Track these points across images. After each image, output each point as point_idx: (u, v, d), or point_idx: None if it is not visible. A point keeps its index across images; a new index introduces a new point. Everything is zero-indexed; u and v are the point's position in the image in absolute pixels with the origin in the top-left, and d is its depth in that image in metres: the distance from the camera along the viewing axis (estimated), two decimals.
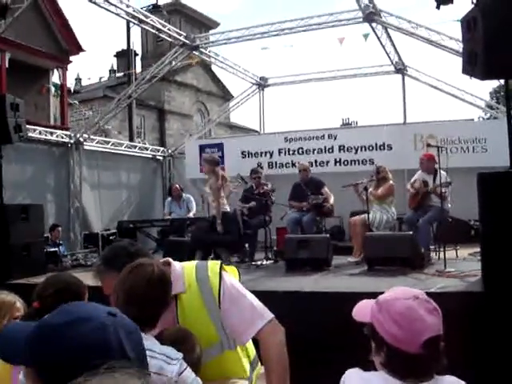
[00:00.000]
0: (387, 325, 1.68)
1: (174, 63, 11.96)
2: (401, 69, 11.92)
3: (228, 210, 8.26)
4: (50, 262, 9.09)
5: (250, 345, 2.49)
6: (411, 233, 7.43)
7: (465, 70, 5.75)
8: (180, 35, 10.69)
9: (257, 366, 2.46)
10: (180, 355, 1.92)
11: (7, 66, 15.55)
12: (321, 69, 12.80)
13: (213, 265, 2.41)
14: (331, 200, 8.99)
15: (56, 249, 9.72)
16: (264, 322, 2.28)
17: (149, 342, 1.86)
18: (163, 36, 10.55)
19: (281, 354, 2.26)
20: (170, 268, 2.35)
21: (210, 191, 8.26)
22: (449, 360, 4.68)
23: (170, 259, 2.43)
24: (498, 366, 4.70)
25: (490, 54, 5.24)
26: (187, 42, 10.84)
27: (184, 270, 2.37)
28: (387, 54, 11.18)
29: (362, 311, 1.82)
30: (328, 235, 8.17)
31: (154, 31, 10.41)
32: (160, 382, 1.81)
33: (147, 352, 1.81)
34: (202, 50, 11.72)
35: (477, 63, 5.47)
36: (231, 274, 2.48)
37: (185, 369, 1.91)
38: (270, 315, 2.32)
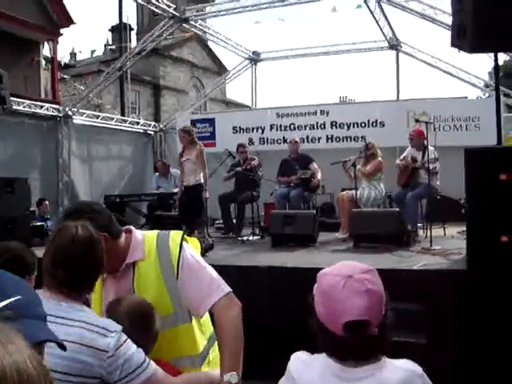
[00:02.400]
0: (316, 301, 1.60)
1: (164, 36, 11.70)
2: (395, 45, 11.74)
3: (202, 182, 8.11)
4: (36, 236, 9.02)
5: (207, 321, 2.42)
6: (397, 210, 7.35)
7: (453, 44, 5.61)
8: (169, 7, 10.45)
9: (214, 343, 2.37)
10: (119, 327, 1.80)
11: None
12: (314, 44, 12.60)
13: (174, 234, 2.34)
14: (318, 175, 8.93)
15: (43, 223, 9.63)
16: (221, 294, 2.21)
17: (82, 313, 1.78)
18: (151, 7, 10.33)
19: (235, 328, 2.17)
20: (131, 235, 2.29)
21: (189, 162, 8.16)
22: (431, 337, 4.63)
23: (132, 227, 2.37)
24: (481, 343, 4.65)
25: (479, 26, 5.09)
26: (177, 14, 10.60)
27: (145, 238, 2.31)
28: (381, 30, 11.00)
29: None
30: (314, 211, 8.13)
31: (142, 2, 10.18)
32: (90, 355, 1.70)
33: (81, 324, 1.73)
34: (192, 22, 11.49)
35: (466, 36, 5.32)
36: (192, 246, 2.40)
37: (124, 341, 1.79)
38: (227, 289, 2.25)
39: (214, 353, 2.33)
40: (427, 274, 5.21)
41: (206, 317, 2.39)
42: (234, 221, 9.36)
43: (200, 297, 2.20)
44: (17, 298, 0.90)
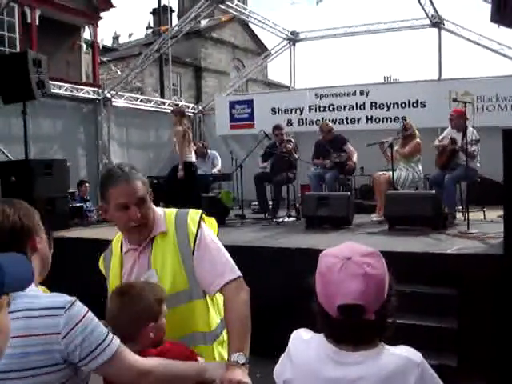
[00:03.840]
0: (316, 281, 1.55)
1: (200, 18, 11.66)
2: (437, 22, 11.37)
3: (192, 160, 8.51)
4: (76, 217, 9.23)
5: (221, 301, 2.41)
6: (434, 192, 7.18)
7: (493, 19, 5.42)
8: None
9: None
10: (70, 300, 1.64)
11: (37, 23, 15.54)
12: (353, 23, 12.27)
13: (193, 213, 2.38)
14: (354, 157, 8.79)
15: (82, 204, 9.82)
16: (232, 276, 2.25)
17: (26, 298, 1.61)
18: None
19: (244, 310, 2.19)
20: (153, 210, 2.34)
21: (176, 140, 8.56)
22: (463, 323, 4.52)
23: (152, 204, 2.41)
24: None
25: None
26: None
27: (164, 214, 2.37)
28: (422, 7, 10.66)
29: None
30: (348, 193, 8.00)
31: None
32: (43, 343, 1.58)
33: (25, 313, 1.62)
34: (229, 3, 11.40)
35: (506, 10, 5.13)
36: (209, 225, 2.44)
37: (82, 317, 1.65)
38: (238, 272, 2.28)
39: (226, 335, 2.33)
40: (461, 258, 5.08)
41: (221, 298, 2.38)
42: (270, 202, 9.34)
43: (212, 276, 2.24)
44: None
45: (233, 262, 2.31)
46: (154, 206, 2.37)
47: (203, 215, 2.40)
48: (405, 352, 1.51)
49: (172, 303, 2.21)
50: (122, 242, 2.41)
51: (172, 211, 2.40)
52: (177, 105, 13.90)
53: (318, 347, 1.57)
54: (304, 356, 1.60)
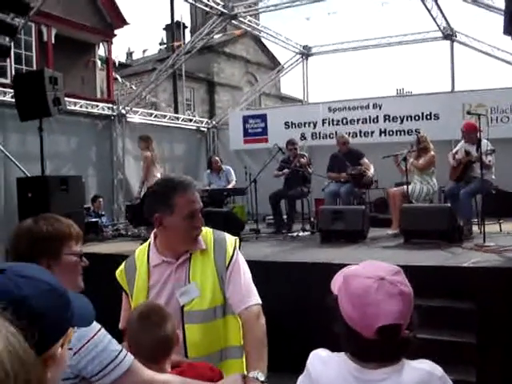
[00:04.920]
0: (344, 302, 1.52)
1: (213, 34, 11.78)
2: (449, 34, 11.38)
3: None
4: (91, 232, 9.29)
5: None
6: (449, 205, 7.15)
7: (506, 31, 5.43)
8: (218, 4, 10.48)
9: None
10: None
11: (53, 41, 15.75)
12: (365, 37, 12.27)
13: (231, 237, 2.50)
14: (371, 171, 8.76)
15: (97, 219, 9.89)
16: (256, 302, 2.33)
17: None
18: (199, 5, 10.38)
19: (263, 334, 2.25)
20: None
21: (144, 165, 9.54)
22: (482, 337, 4.47)
23: None
24: None
25: None
26: (225, 11, 10.61)
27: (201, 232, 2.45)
28: (433, 19, 10.67)
29: (337, 281, 1.62)
30: (363, 207, 7.98)
31: (191, 1, 10.24)
32: None
33: None
34: (241, 19, 11.50)
35: None
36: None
37: (94, 334, 1.69)
38: (260, 301, 2.36)
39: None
40: (478, 272, 5.04)
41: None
42: (285, 217, 9.34)
43: (240, 296, 2.31)
44: None
45: (255, 290, 2.39)
46: None
47: (237, 239, 2.52)
48: (426, 366, 1.53)
49: (210, 317, 2.31)
50: (148, 255, 2.44)
51: (208, 230, 2.49)
52: (190, 120, 14.01)
53: (338, 366, 1.57)
54: (325, 376, 1.60)
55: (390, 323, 1.44)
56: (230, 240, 2.45)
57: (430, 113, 11.19)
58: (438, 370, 1.52)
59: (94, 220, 9.71)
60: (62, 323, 1.05)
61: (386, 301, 1.45)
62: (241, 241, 2.78)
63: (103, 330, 1.74)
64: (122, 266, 2.52)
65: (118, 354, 1.72)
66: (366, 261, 1.64)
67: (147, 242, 2.50)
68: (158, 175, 9.08)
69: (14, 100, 8.26)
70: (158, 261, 2.39)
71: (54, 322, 1.02)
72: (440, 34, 11.56)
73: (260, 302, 2.34)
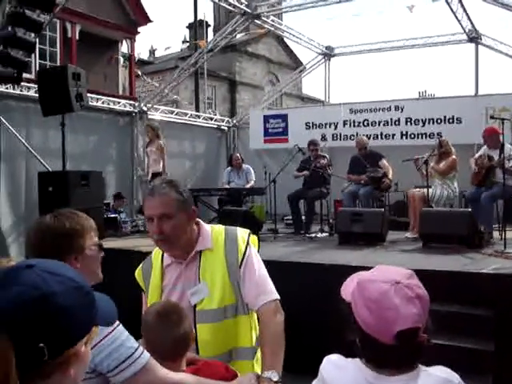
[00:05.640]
0: (360, 308, 1.51)
1: (236, 33, 11.80)
2: (474, 37, 11.25)
3: (161, 170, 9.91)
4: (110, 228, 9.36)
5: (256, 320, 2.46)
6: (470, 210, 7.07)
7: None
8: (241, 4, 10.49)
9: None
10: None
11: (77, 37, 15.92)
12: (389, 38, 12.19)
13: (242, 232, 2.48)
14: (390, 174, 8.70)
15: (116, 215, 9.95)
16: (273, 297, 2.32)
17: None
18: (223, 4, 10.38)
19: (280, 331, 2.23)
20: (199, 226, 2.43)
21: (152, 153, 10.10)
22: (500, 344, 4.41)
23: (200, 220, 2.48)
24: None
25: None
26: (248, 10, 10.62)
27: (212, 230, 2.44)
28: (459, 22, 10.56)
29: (348, 287, 1.60)
30: (383, 209, 7.93)
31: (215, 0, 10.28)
32: None
33: None
34: (264, 19, 11.49)
35: None
36: (252, 243, 2.50)
37: (111, 331, 1.70)
38: (278, 295, 2.35)
39: (260, 352, 2.35)
40: (497, 279, 4.98)
41: (255, 315, 2.43)
42: (304, 217, 9.32)
43: (257, 292, 2.30)
44: None
45: (272, 285, 2.38)
46: (201, 223, 2.46)
47: (251, 235, 2.49)
48: (443, 373, 1.51)
49: (220, 317, 2.30)
50: (162, 255, 2.46)
51: (220, 228, 2.49)
52: (211, 118, 14.03)
53: (354, 373, 1.55)
54: (339, 381, 1.58)
55: (409, 327, 1.42)
56: (242, 236, 2.43)
57: (453, 116, 11.08)
58: (455, 377, 1.50)
59: (112, 216, 9.77)
60: (87, 321, 1.07)
61: (404, 304, 1.43)
62: (259, 239, 2.76)
63: (121, 326, 1.75)
64: (140, 266, 2.55)
65: (135, 351, 1.73)
66: (377, 266, 1.63)
67: None
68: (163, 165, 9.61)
69: (37, 95, 8.35)
70: (169, 261, 2.42)
71: (79, 319, 1.03)
72: (465, 37, 11.43)
73: (277, 297, 2.32)
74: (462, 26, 10.90)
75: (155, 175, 9.38)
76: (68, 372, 1.02)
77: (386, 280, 1.49)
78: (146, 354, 1.77)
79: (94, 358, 1.65)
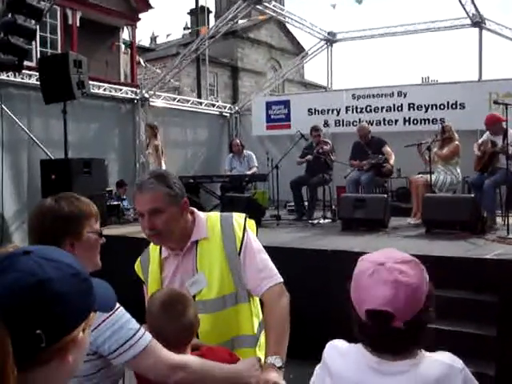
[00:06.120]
0: (349, 284, 1.56)
1: (237, 19, 11.72)
2: (478, 22, 11.14)
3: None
4: (112, 215, 9.38)
5: (258, 306, 2.45)
6: (473, 195, 7.05)
7: None
8: None
9: (263, 329, 2.39)
10: None
11: (78, 24, 15.86)
12: (392, 23, 12.08)
13: (238, 217, 2.43)
14: (391, 160, 8.68)
15: (119, 202, 9.96)
16: (276, 281, 2.29)
17: None
18: None
19: (285, 315, 2.21)
20: (194, 215, 2.39)
21: (149, 155, 10.06)
22: (502, 330, 4.42)
23: (195, 209, 2.44)
24: None
25: None
26: None
27: (207, 218, 2.40)
28: (462, 6, 10.46)
29: None
30: (385, 195, 7.92)
31: None
32: None
33: None
34: (266, 4, 11.40)
35: None
36: (250, 228, 2.45)
37: (112, 313, 1.71)
38: (281, 278, 2.32)
39: (263, 338, 2.34)
40: (500, 264, 4.98)
41: (258, 301, 2.42)
42: (306, 204, 9.32)
43: (259, 278, 2.27)
44: None
45: (274, 267, 2.34)
46: (196, 212, 2.41)
47: (247, 219, 2.44)
48: (447, 359, 1.50)
49: (219, 306, 2.27)
50: (160, 247, 2.42)
51: (215, 215, 2.45)
52: (213, 105, 13.98)
53: (357, 358, 1.56)
54: (343, 368, 1.58)
55: (376, 308, 1.43)
56: (238, 222, 2.38)
57: (456, 102, 11.00)
58: (458, 362, 1.50)
59: (115, 203, 9.78)
60: (84, 308, 1.06)
61: (376, 286, 1.45)
62: (262, 225, 2.74)
63: (121, 309, 1.75)
64: (138, 259, 2.52)
65: (135, 334, 1.73)
66: (386, 248, 1.63)
67: None
68: (163, 164, 9.49)
69: (38, 83, 8.33)
70: (166, 253, 2.39)
71: (76, 306, 1.02)
72: (468, 21, 11.31)
73: (281, 279, 2.29)
74: (465, 11, 10.79)
75: None
76: (66, 358, 1.02)
77: (373, 260, 1.51)
78: (147, 337, 1.76)
79: (95, 341, 1.66)
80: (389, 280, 1.44)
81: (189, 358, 1.89)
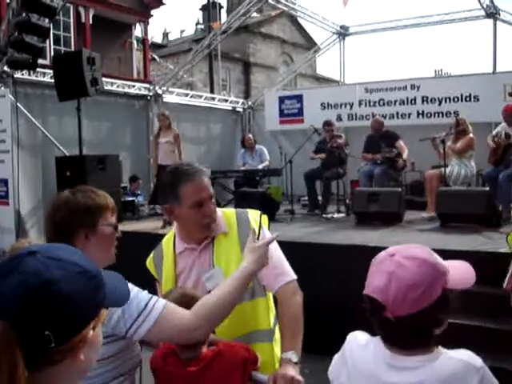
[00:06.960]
0: None
1: (249, 14, 11.70)
2: (492, 13, 11.03)
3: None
4: (128, 211, 9.44)
5: (272, 301, 2.47)
6: (487, 189, 7.01)
7: None
8: None
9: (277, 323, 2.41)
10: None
11: (91, 22, 15.96)
12: (405, 16, 11.98)
13: (254, 213, 2.44)
14: (405, 154, 8.65)
15: (134, 198, 10.01)
16: (290, 278, 2.30)
17: None
18: None
19: (299, 312, 2.22)
20: None
21: (166, 144, 9.32)
22: None
23: None
24: None
25: None
26: None
27: (223, 214, 2.41)
28: None
29: None
30: (399, 189, 7.88)
31: None
32: None
33: None
34: None
35: None
36: (264, 224, 2.47)
37: None
38: (295, 275, 2.33)
39: (278, 332, 2.36)
40: None
41: (271, 296, 2.44)
42: (320, 198, 9.32)
43: (273, 274, 2.27)
44: None
45: (288, 265, 2.36)
46: None
47: (262, 215, 2.45)
48: (464, 356, 1.46)
49: None
50: (174, 243, 2.42)
51: (231, 211, 2.45)
52: (226, 100, 13.99)
53: (375, 351, 1.56)
54: (361, 360, 1.59)
55: (368, 294, 1.49)
56: (254, 218, 2.39)
57: (470, 94, 10.91)
58: (476, 360, 1.45)
59: (130, 199, 9.84)
60: (93, 305, 1.06)
61: (376, 274, 1.50)
62: (276, 220, 2.74)
63: (130, 284, 1.75)
64: (150, 255, 2.51)
65: (146, 306, 1.74)
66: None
67: (173, 231, 2.48)
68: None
69: (53, 81, 8.38)
70: (181, 248, 2.38)
71: (84, 304, 1.02)
72: (483, 13, 11.20)
73: (295, 277, 2.30)
74: (479, 2, 10.69)
75: (162, 168, 8.73)
76: (78, 357, 1.02)
77: (389, 251, 1.54)
78: (159, 304, 1.76)
79: (108, 323, 1.68)
80: (387, 271, 1.47)
81: (200, 305, 1.85)
